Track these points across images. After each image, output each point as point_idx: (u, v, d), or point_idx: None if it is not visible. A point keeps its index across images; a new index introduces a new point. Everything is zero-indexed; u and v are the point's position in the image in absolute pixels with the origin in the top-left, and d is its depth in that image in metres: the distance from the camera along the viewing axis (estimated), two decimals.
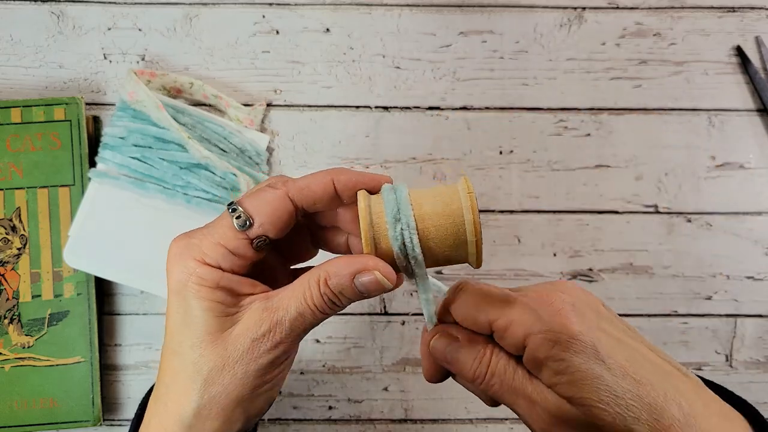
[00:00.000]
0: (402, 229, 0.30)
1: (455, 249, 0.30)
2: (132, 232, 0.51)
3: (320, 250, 0.37)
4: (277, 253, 0.36)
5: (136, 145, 0.51)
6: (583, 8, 0.57)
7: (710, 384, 0.33)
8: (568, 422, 0.29)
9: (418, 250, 0.30)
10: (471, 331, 0.32)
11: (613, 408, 0.27)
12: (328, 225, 0.35)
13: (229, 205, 0.31)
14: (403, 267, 0.31)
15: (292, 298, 0.30)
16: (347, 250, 0.35)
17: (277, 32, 0.57)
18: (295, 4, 0.57)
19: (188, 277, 0.30)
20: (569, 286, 0.32)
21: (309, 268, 0.35)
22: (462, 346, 0.32)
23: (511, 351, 0.31)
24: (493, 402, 0.33)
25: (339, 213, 0.34)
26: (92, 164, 0.53)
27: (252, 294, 0.31)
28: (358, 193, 0.31)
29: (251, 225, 0.31)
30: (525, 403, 0.30)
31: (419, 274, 0.31)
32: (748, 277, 0.56)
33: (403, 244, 0.30)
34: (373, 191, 0.32)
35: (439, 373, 0.34)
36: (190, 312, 0.30)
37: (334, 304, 0.31)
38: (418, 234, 0.30)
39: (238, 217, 0.31)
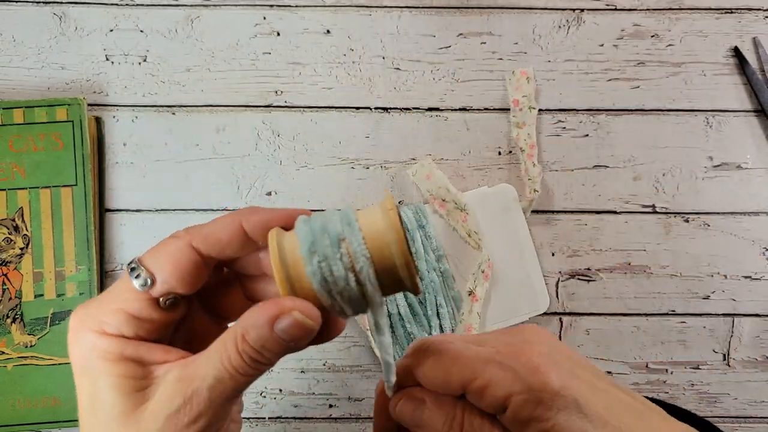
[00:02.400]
0: (320, 261, 0.25)
1: (390, 276, 0.26)
2: None
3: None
4: (206, 312, 0.32)
5: None
6: (582, 10, 0.58)
7: (669, 407, 0.33)
8: None
9: (370, 274, 0.26)
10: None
11: None
12: (258, 273, 0.31)
13: (128, 264, 0.27)
14: (329, 305, 0.26)
15: (209, 364, 0.26)
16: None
17: (278, 34, 0.57)
18: (296, 6, 0.57)
19: (89, 352, 0.26)
20: (537, 332, 0.30)
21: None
22: (430, 409, 0.29)
23: (487, 410, 0.28)
24: None
25: (262, 259, 0.30)
26: (94, 164, 0.54)
27: (166, 362, 0.27)
28: (269, 232, 0.27)
29: (153, 283, 0.27)
30: None
31: (373, 303, 0.27)
32: (746, 277, 0.56)
33: (323, 278, 0.25)
34: (288, 227, 0.28)
35: (392, 430, 0.32)
36: (96, 393, 0.26)
37: (258, 363, 0.26)
38: (365, 260, 0.25)
39: (137, 276, 0.27)
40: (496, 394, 0.27)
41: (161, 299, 0.27)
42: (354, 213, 0.27)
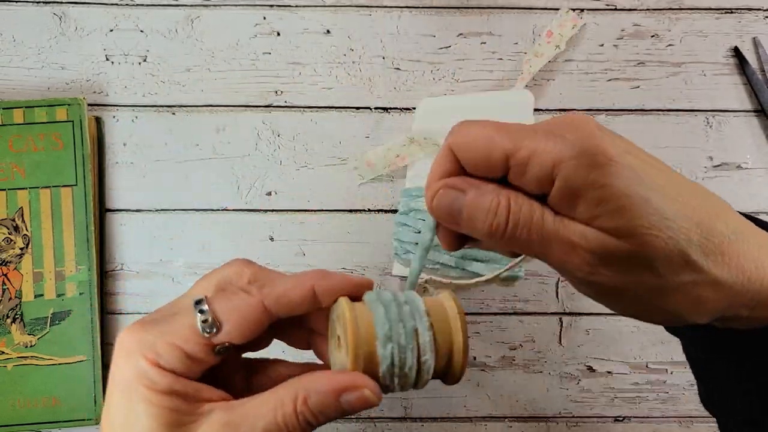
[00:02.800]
0: (393, 348, 0.27)
1: (444, 371, 0.29)
2: None
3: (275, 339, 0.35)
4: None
5: None
6: (582, 10, 0.58)
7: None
8: (615, 260, 0.24)
9: (431, 367, 0.28)
10: (477, 178, 0.27)
11: (665, 232, 0.24)
12: (290, 317, 0.32)
13: (196, 302, 0.28)
14: (384, 385, 0.29)
15: (260, 415, 0.27)
16: (307, 347, 0.33)
17: (278, 34, 0.57)
18: (296, 6, 0.57)
19: (138, 378, 0.26)
20: (584, 116, 0.26)
21: (265, 360, 0.33)
22: (471, 196, 0.26)
23: (532, 189, 0.26)
24: (514, 254, 0.29)
25: (314, 319, 0.31)
26: (94, 164, 0.54)
27: (211, 400, 0.28)
28: (340, 300, 0.29)
29: (218, 331, 0.27)
30: (561, 248, 0.25)
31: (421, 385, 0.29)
32: None
33: (392, 363, 0.27)
34: (354, 297, 0.29)
35: (453, 237, 0.29)
36: (135, 417, 0.26)
37: (309, 425, 0.27)
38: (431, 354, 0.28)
39: (204, 321, 0.27)
40: (543, 163, 0.24)
41: (217, 347, 0.28)
42: (424, 307, 0.29)
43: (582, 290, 0.27)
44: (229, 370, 0.31)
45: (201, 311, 0.27)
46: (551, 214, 0.25)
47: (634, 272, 0.25)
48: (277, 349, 0.34)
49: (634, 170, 0.24)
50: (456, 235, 0.29)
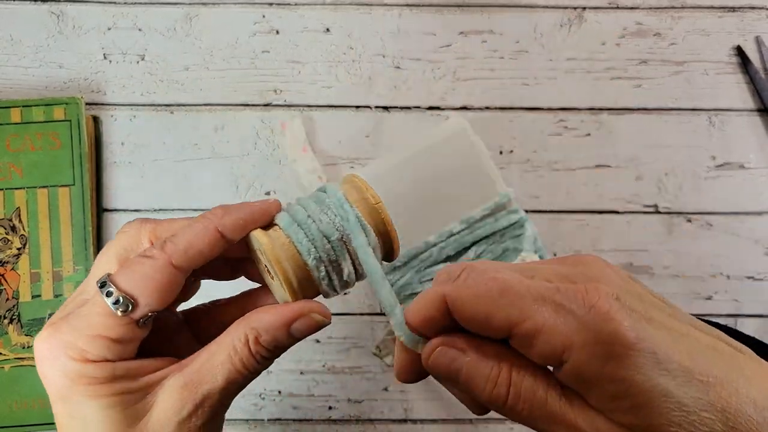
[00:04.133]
0: (326, 266, 0.28)
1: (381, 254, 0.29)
2: None
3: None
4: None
5: None
6: (584, 8, 0.57)
7: (743, 337, 0.29)
8: None
9: (376, 268, 0.27)
10: (477, 337, 0.25)
11: (686, 428, 0.21)
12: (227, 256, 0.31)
13: (100, 285, 0.26)
14: (329, 295, 0.29)
15: (217, 366, 0.26)
16: (234, 276, 0.33)
17: (277, 32, 0.57)
18: (295, 4, 0.57)
19: (73, 380, 0.25)
20: (600, 266, 0.25)
21: (203, 306, 0.33)
22: (472, 361, 0.24)
23: (540, 363, 0.24)
24: (483, 410, 0.28)
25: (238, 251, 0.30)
26: (92, 163, 0.54)
27: (158, 369, 0.27)
28: (254, 234, 0.28)
29: (134, 307, 0.26)
30: (566, 431, 0.23)
31: (378, 284, 0.28)
32: (749, 277, 0.56)
33: (330, 279, 0.28)
34: (265, 224, 0.29)
35: (416, 374, 0.27)
36: (87, 417, 0.26)
37: (267, 361, 0.28)
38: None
39: (116, 302, 0.26)
40: (552, 343, 0.22)
41: (140, 320, 0.27)
42: (348, 206, 0.28)
43: None
44: (170, 332, 0.31)
45: (108, 293, 0.26)
46: (557, 392, 0.23)
47: None
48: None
49: (654, 354, 0.22)
50: (419, 370, 0.27)
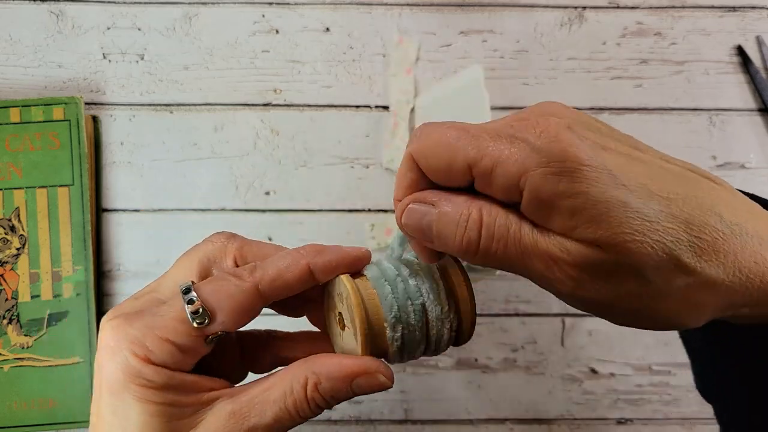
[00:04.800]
0: (404, 329, 0.27)
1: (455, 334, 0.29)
2: None
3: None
4: None
5: None
6: (584, 8, 0.57)
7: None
8: (600, 272, 0.22)
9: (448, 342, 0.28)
10: (449, 190, 0.25)
11: (651, 236, 0.21)
12: (300, 302, 0.32)
13: (184, 291, 0.26)
14: (394, 362, 0.29)
15: (269, 402, 0.26)
16: (299, 315, 0.33)
17: (277, 31, 0.56)
18: (295, 4, 0.56)
19: (130, 377, 0.25)
20: (556, 105, 0.25)
21: (257, 332, 0.32)
22: (441, 211, 0.24)
23: (502, 198, 0.24)
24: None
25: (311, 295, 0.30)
26: (91, 163, 0.54)
27: (212, 390, 0.27)
28: (342, 279, 0.27)
29: (210, 321, 0.26)
30: (542, 263, 0.23)
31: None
32: None
33: (403, 343, 0.27)
34: (353, 271, 0.28)
35: (428, 249, 0.27)
36: (131, 417, 0.25)
37: (320, 409, 0.27)
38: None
39: (195, 312, 0.25)
40: (509, 172, 0.22)
41: (209, 336, 0.26)
42: (433, 281, 0.28)
43: (570, 303, 0.25)
44: (222, 349, 0.30)
45: (190, 301, 0.25)
46: (529, 225, 0.23)
47: (623, 283, 0.22)
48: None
49: (610, 171, 0.22)
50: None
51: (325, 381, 0.26)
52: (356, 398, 0.54)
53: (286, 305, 0.32)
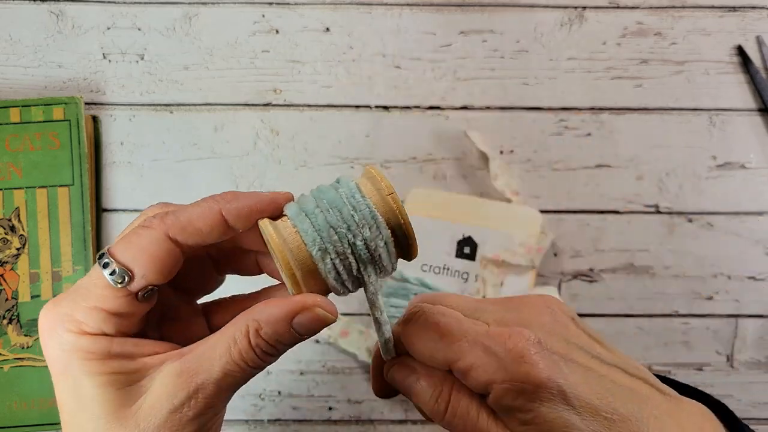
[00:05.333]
0: (333, 259, 0.26)
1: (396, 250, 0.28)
2: None
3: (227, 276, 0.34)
4: (174, 289, 0.31)
5: None
6: (584, 8, 0.57)
7: (681, 386, 0.32)
8: None
9: (392, 260, 0.27)
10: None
11: None
12: (230, 247, 0.31)
13: (99, 257, 0.26)
14: (338, 292, 0.28)
15: (215, 356, 0.26)
16: (259, 271, 0.32)
17: (277, 31, 0.56)
18: (295, 4, 0.56)
19: (69, 353, 0.26)
20: (538, 311, 0.29)
21: (222, 300, 0.33)
22: (420, 380, 0.29)
23: (474, 391, 0.28)
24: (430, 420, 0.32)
25: (239, 235, 0.29)
26: (91, 163, 0.54)
27: (157, 353, 0.27)
28: (260, 224, 0.27)
29: (131, 279, 0.26)
30: None
31: (372, 292, 0.28)
32: (750, 278, 0.56)
33: (338, 273, 0.27)
34: (273, 215, 0.28)
35: (388, 389, 0.32)
36: (83, 393, 0.26)
37: (268, 356, 0.27)
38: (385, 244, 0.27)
39: (112, 273, 0.25)
40: (479, 379, 0.27)
41: (139, 293, 0.27)
42: (359, 196, 0.27)
43: None
44: (187, 322, 0.30)
45: (105, 265, 0.26)
46: (487, 413, 0.28)
47: None
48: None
49: (563, 392, 0.26)
50: (391, 387, 0.31)
51: (265, 326, 0.26)
52: (356, 398, 0.54)
53: (242, 266, 0.32)
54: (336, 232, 0.26)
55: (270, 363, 0.27)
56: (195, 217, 0.27)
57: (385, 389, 0.32)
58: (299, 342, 0.27)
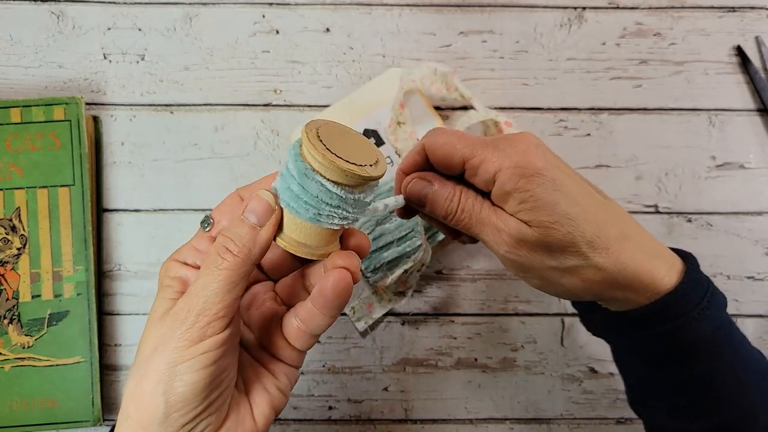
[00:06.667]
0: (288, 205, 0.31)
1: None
2: None
3: None
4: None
5: None
6: (584, 8, 0.57)
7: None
8: (527, 243, 0.33)
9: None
10: (442, 175, 0.36)
11: (565, 227, 0.32)
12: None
13: (204, 218, 0.34)
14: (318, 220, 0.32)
15: (205, 280, 0.31)
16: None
17: (277, 32, 0.56)
18: (295, 4, 0.57)
19: (165, 272, 0.33)
20: (533, 137, 0.35)
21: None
22: (435, 188, 0.36)
23: (481, 187, 0.35)
24: (456, 233, 0.39)
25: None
26: (92, 163, 0.54)
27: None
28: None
29: (212, 224, 0.33)
30: (491, 230, 0.34)
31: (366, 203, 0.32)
32: (749, 277, 0.56)
33: (317, 216, 0.30)
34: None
35: (406, 211, 0.38)
36: (156, 301, 0.32)
37: (247, 262, 0.31)
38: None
39: (203, 221, 0.34)
40: (488, 169, 0.33)
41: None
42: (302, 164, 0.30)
43: (506, 265, 0.36)
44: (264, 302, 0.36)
45: (203, 219, 0.34)
46: (489, 206, 0.35)
47: (539, 254, 0.34)
48: None
49: (554, 181, 0.32)
50: (410, 209, 0.38)
51: (226, 231, 0.31)
52: (356, 398, 0.55)
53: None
54: (291, 190, 0.30)
55: (250, 263, 0.30)
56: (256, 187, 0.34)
57: (403, 212, 0.38)
58: (264, 243, 0.30)
